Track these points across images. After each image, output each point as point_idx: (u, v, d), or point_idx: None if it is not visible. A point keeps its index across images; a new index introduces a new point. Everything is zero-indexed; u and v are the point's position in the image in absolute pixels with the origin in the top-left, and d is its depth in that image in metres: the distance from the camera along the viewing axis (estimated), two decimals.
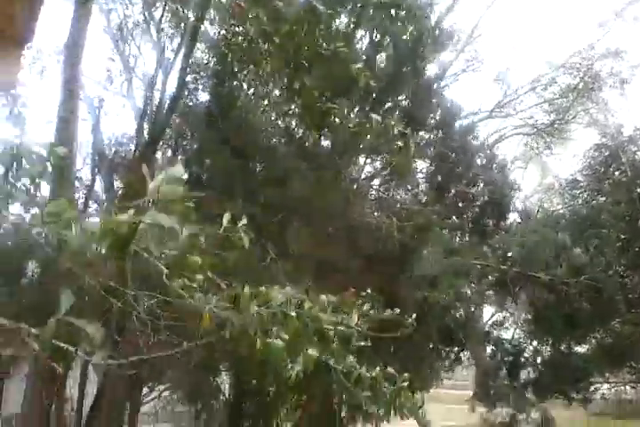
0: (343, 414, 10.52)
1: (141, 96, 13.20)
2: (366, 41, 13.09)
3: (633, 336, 14.87)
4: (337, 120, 7.53)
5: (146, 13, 13.59)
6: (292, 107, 11.72)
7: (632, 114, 23.52)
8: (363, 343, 3.92)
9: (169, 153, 13.14)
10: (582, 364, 15.75)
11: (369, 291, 4.62)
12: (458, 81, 20.05)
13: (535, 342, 17.07)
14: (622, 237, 16.21)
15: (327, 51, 4.67)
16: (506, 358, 16.57)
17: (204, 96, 12.82)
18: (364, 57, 12.17)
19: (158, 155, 12.29)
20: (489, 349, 17.24)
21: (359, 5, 9.55)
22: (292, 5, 4.94)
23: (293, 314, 3.46)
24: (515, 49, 44.45)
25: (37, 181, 2.79)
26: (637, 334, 14.87)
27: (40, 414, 9.56)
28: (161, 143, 12.40)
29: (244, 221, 2.40)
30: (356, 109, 11.74)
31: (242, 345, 3.85)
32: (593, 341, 17.09)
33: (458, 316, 12.31)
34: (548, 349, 16.89)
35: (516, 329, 18.10)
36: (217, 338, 4.45)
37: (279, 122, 12.75)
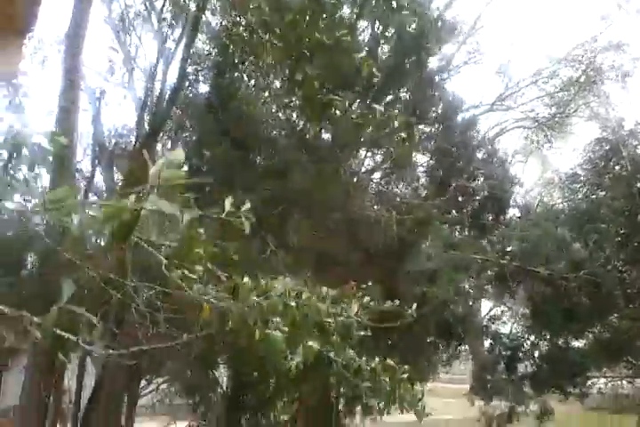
0: (340, 407, 10.56)
1: (142, 87, 13.15)
2: (368, 33, 13.04)
3: (631, 331, 14.89)
4: (337, 112, 7.50)
5: (147, 3, 13.52)
6: (293, 99, 11.67)
7: (634, 108, 23.50)
8: (362, 333, 3.93)
9: (169, 145, 13.10)
10: (579, 358, 15.78)
11: (369, 283, 4.62)
12: (459, 73, 19.99)
13: (533, 337, 17.11)
14: (622, 231, 16.19)
15: (330, 40, 4.63)
16: (504, 353, 16.60)
17: (204, 87, 12.79)
18: (366, 49, 12.11)
19: (158, 146, 12.25)
20: (486, 343, 17.28)
21: None
22: None
23: (293, 304, 3.46)
24: (516, 41, 44.38)
25: (37, 171, 2.77)
26: (635, 329, 14.88)
27: (38, 406, 9.57)
28: (161, 135, 12.37)
29: (247, 205, 2.37)
30: (357, 102, 11.70)
31: (241, 336, 3.85)
32: (590, 335, 17.12)
33: (457, 310, 12.31)
34: (546, 343, 16.93)
35: (513, 324, 18.13)
36: (216, 329, 4.44)
37: (280, 114, 12.71)
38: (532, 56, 36.43)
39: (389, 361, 4.40)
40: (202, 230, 2.94)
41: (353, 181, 12.88)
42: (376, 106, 5.35)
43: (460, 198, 16.02)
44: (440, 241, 12.82)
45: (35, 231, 6.43)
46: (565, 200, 18.55)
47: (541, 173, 26.11)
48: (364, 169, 14.39)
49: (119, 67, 13.80)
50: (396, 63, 12.18)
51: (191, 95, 12.48)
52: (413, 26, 12.06)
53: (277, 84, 12.29)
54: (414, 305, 4.83)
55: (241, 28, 10.31)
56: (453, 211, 15.32)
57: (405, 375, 4.44)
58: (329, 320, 4.09)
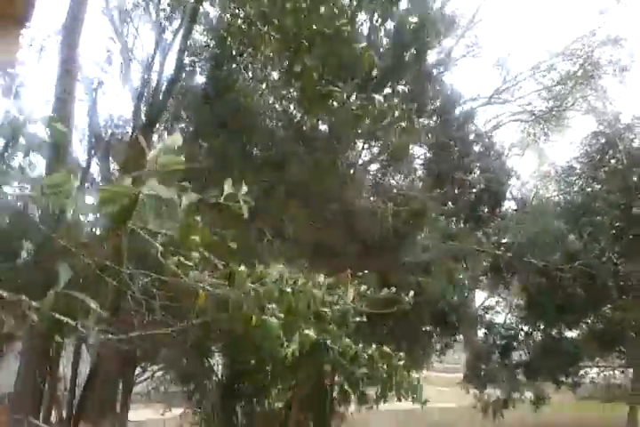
0: (335, 394, 10.63)
1: (139, 78, 13.12)
2: (367, 26, 13.01)
3: (624, 322, 15.04)
4: (335, 104, 7.50)
5: None
6: (291, 90, 11.67)
7: (630, 102, 23.63)
8: (358, 319, 3.98)
9: (165, 136, 13.09)
10: (573, 349, 15.95)
11: (365, 271, 4.66)
12: (458, 66, 20.02)
13: (527, 327, 17.26)
14: (616, 224, 16.30)
15: (330, 29, 4.65)
16: (498, 342, 16.76)
17: (201, 79, 12.77)
18: (365, 42, 12.10)
19: (155, 137, 12.24)
20: (480, 332, 17.43)
21: None
22: None
23: (288, 290, 3.49)
24: (514, 35, 44.31)
25: (33, 159, 2.79)
26: (628, 321, 15.04)
27: (33, 392, 9.62)
28: (158, 126, 12.36)
29: (245, 189, 2.40)
30: (355, 94, 11.68)
31: (237, 322, 3.89)
32: (584, 326, 17.29)
33: (451, 300, 12.40)
34: (540, 334, 17.08)
35: (507, 314, 18.28)
36: (212, 316, 4.48)
37: (277, 106, 12.70)
38: (530, 50, 36.46)
39: (386, 348, 4.45)
40: (199, 218, 2.97)
41: (350, 172, 12.90)
42: (376, 95, 5.37)
43: (456, 191, 16.08)
44: (436, 232, 12.90)
45: (30, 218, 6.45)
46: (561, 193, 18.65)
47: (538, 165, 26.19)
48: (361, 161, 14.41)
49: (116, 57, 13.76)
50: (394, 56, 12.17)
51: (188, 86, 12.46)
52: (413, 19, 12.08)
53: (275, 75, 12.28)
54: (411, 293, 4.88)
55: (239, 20, 10.29)
56: (450, 203, 15.38)
57: (402, 362, 4.49)
58: (325, 310, 4.13)
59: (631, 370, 18.35)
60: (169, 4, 12.73)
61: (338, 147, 11.93)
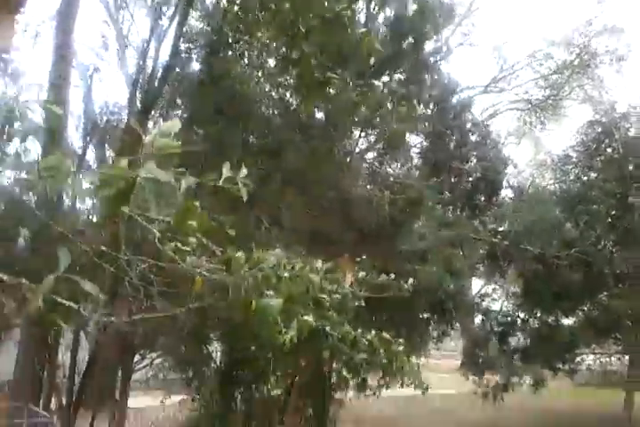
0: (333, 381, 10.70)
1: (134, 64, 13.03)
2: (364, 14, 12.95)
3: (619, 310, 15.13)
4: (332, 91, 7.45)
5: None
6: (287, 78, 11.61)
7: (627, 91, 23.62)
8: (357, 304, 3.99)
9: (161, 123, 13.02)
10: (569, 336, 16.06)
11: (364, 257, 4.66)
12: (454, 54, 19.96)
13: (523, 314, 17.36)
14: (612, 213, 16.36)
15: (330, 14, 4.60)
16: (495, 329, 16.86)
17: (197, 65, 12.67)
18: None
19: (150, 124, 12.17)
20: (477, 319, 17.53)
21: None
22: None
23: (286, 274, 3.49)
24: (511, 23, 44.12)
25: (28, 145, 2.76)
26: (623, 308, 15.13)
27: (32, 380, 9.66)
28: (153, 113, 12.28)
29: (244, 171, 2.38)
30: (351, 83, 11.64)
31: (236, 308, 3.88)
32: (580, 313, 17.40)
33: (448, 288, 12.44)
34: (537, 321, 17.18)
35: (504, 302, 18.38)
36: (210, 302, 4.48)
37: (273, 93, 12.63)
38: (527, 38, 36.26)
39: (385, 334, 4.46)
40: (197, 203, 2.95)
41: (346, 160, 12.88)
42: (375, 81, 5.35)
43: (453, 179, 16.09)
44: (433, 221, 12.92)
45: (26, 205, 6.43)
46: (557, 182, 18.69)
47: (534, 154, 26.23)
48: (357, 149, 14.39)
49: (111, 43, 13.66)
50: (392, 45, 12.10)
51: (184, 73, 12.38)
52: (412, 6, 12.01)
53: (271, 62, 12.21)
54: (410, 280, 4.88)
55: (236, 6, 10.21)
56: (446, 192, 15.39)
57: (401, 348, 4.51)
58: (323, 296, 4.13)
59: (627, 357, 18.52)
60: None
61: (335, 135, 11.89)
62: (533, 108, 24.29)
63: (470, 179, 16.42)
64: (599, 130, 17.70)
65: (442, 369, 22.18)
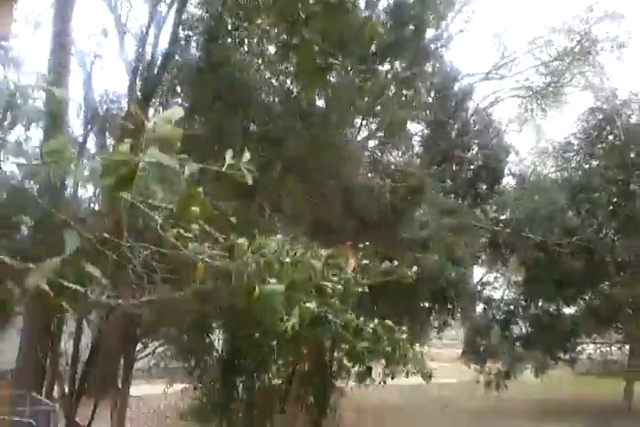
0: (334, 369, 10.75)
1: (133, 52, 12.93)
2: (365, 1, 12.82)
3: (621, 298, 15.13)
4: (332, 79, 7.35)
5: None
6: (287, 65, 11.53)
7: (628, 78, 23.48)
8: (360, 290, 3.96)
9: (161, 111, 12.95)
10: (571, 325, 16.08)
11: (366, 243, 4.64)
12: (455, 41, 19.83)
13: (525, 302, 17.37)
14: (614, 200, 16.33)
15: None
16: (497, 317, 16.89)
17: (196, 53, 12.57)
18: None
19: (151, 112, 12.10)
20: (479, 308, 17.55)
21: None
22: None
23: (288, 260, 3.46)
24: (512, 10, 43.83)
25: (29, 133, 2.73)
26: (625, 297, 15.13)
27: (35, 368, 9.67)
28: (153, 100, 12.20)
29: (247, 156, 2.35)
30: (351, 71, 11.57)
31: (238, 294, 3.86)
32: (582, 302, 17.40)
33: (450, 276, 12.44)
34: (538, 310, 17.20)
35: (505, 290, 18.38)
36: (212, 288, 4.46)
37: (273, 81, 12.56)
38: (528, 25, 36.06)
39: (388, 322, 4.45)
40: (200, 189, 2.93)
41: (347, 148, 12.83)
42: (379, 66, 5.28)
43: (454, 167, 16.06)
44: (434, 209, 12.90)
45: (28, 193, 6.40)
46: (559, 169, 18.62)
47: (535, 142, 26.12)
48: (359, 137, 14.33)
49: (110, 31, 13.53)
50: (393, 32, 12.00)
51: (184, 61, 12.28)
52: None
53: (271, 49, 12.12)
54: (414, 268, 4.87)
55: None
56: (448, 180, 15.37)
57: (404, 336, 4.50)
58: (326, 283, 4.11)
59: (628, 346, 18.55)
60: None
61: (336, 122, 11.83)
62: (534, 96, 24.18)
63: (472, 167, 16.39)
64: (600, 117, 17.62)
65: (443, 358, 22.23)
